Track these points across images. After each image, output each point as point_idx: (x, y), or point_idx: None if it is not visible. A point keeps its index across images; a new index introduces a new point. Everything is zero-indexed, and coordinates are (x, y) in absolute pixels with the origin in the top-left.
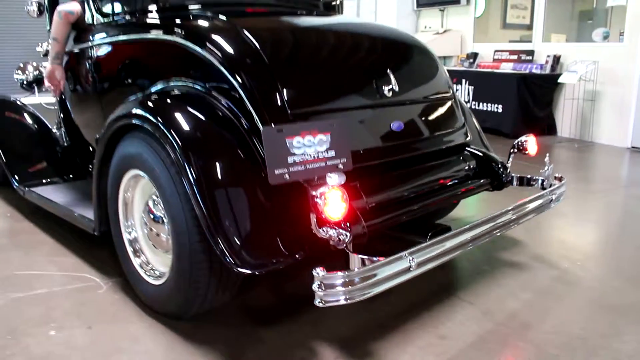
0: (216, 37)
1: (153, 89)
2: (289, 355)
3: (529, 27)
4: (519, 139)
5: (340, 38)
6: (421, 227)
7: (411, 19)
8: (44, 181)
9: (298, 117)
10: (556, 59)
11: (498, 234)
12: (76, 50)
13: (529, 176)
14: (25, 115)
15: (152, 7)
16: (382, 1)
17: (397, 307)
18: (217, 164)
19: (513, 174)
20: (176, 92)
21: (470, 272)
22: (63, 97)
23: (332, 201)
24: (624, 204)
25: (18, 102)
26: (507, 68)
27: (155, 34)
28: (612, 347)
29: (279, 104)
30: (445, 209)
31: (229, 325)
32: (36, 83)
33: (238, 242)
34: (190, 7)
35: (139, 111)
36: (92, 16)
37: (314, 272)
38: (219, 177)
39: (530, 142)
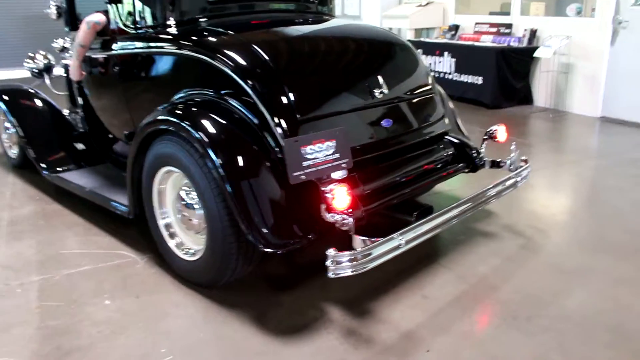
0: (229, 51)
1: (176, 98)
2: (304, 315)
3: None
4: (491, 128)
5: (334, 46)
6: (407, 205)
7: None
8: (68, 167)
9: (305, 121)
10: (533, 33)
11: (470, 214)
12: (102, 56)
13: (498, 160)
14: (42, 103)
15: (170, 22)
16: None
17: (388, 274)
18: (240, 160)
19: (485, 158)
20: (197, 99)
21: (449, 242)
22: (83, 88)
23: (338, 195)
24: (591, 176)
25: (31, 91)
26: (487, 40)
27: (174, 47)
28: (560, 303)
29: (288, 107)
30: (427, 189)
31: (252, 292)
32: (46, 71)
33: (263, 226)
34: (203, 21)
35: (169, 117)
36: (117, 27)
37: (327, 252)
38: (243, 170)
39: (500, 131)
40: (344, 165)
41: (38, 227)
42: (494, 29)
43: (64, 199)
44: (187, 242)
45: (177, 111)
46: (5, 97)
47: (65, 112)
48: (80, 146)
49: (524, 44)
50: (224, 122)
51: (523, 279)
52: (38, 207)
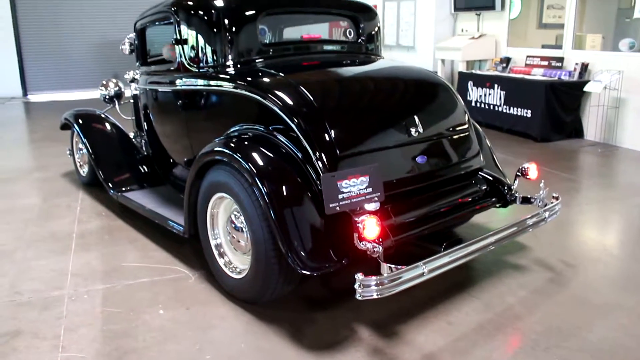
0: (278, 91)
1: (231, 131)
2: (336, 333)
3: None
4: (523, 165)
5: (376, 86)
6: (440, 237)
7: (448, 22)
8: (132, 187)
9: (344, 157)
10: (584, 67)
11: (495, 247)
12: (168, 89)
13: (529, 196)
14: (111, 127)
15: (229, 62)
16: (420, 4)
17: (418, 299)
18: (284, 190)
19: (517, 194)
20: (249, 134)
21: (480, 272)
22: (149, 115)
23: (369, 226)
24: (632, 214)
25: (103, 116)
26: (537, 74)
27: (230, 86)
28: (581, 336)
29: (330, 143)
30: (460, 221)
31: (290, 310)
32: (116, 97)
33: (301, 250)
34: (258, 62)
35: (224, 149)
36: (182, 64)
37: (355, 276)
38: (286, 199)
39: (532, 169)
40: (375, 198)
41: (104, 241)
42: (545, 62)
43: (127, 216)
44: (235, 261)
45: (231, 144)
46: (80, 121)
47: (131, 134)
48: (143, 168)
49: (575, 77)
50: (271, 155)
51: (547, 311)
52: (104, 222)
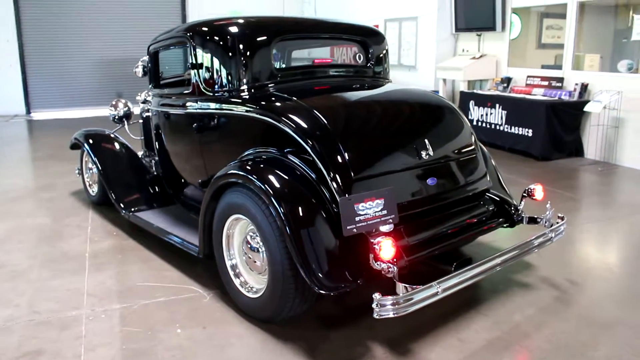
0: (293, 115)
1: (245, 154)
2: (350, 350)
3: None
4: (529, 186)
5: (386, 110)
6: (449, 256)
7: (450, 42)
8: (142, 207)
9: (359, 179)
10: (584, 87)
11: (505, 267)
12: (183, 111)
13: (535, 216)
14: (121, 147)
15: (243, 87)
16: (422, 24)
17: (429, 317)
18: (300, 211)
19: (523, 215)
20: (264, 157)
21: (488, 291)
22: (161, 135)
23: (385, 247)
24: (633, 232)
25: (112, 136)
26: (538, 93)
27: (245, 110)
28: (587, 354)
29: (344, 166)
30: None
31: (305, 328)
32: (126, 117)
33: (318, 270)
34: (271, 86)
35: (240, 172)
36: (197, 88)
37: (373, 296)
38: (303, 220)
39: (538, 190)
40: (390, 220)
41: (117, 261)
42: (546, 82)
43: (138, 235)
44: (250, 281)
45: (247, 166)
46: (91, 141)
47: (139, 154)
48: (153, 188)
49: (575, 97)
50: (287, 177)
51: (554, 329)
52: (116, 242)
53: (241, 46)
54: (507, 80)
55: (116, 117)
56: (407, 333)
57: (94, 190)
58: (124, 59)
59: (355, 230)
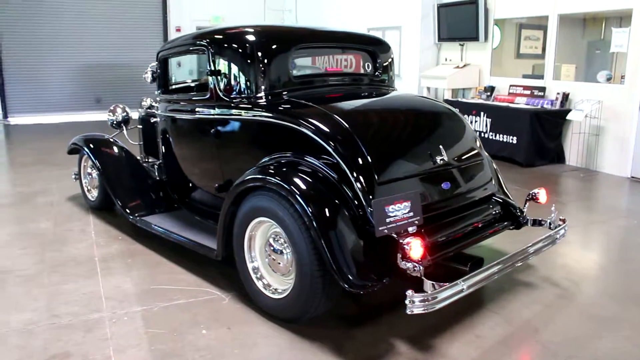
0: (315, 120)
1: (266, 159)
2: (376, 347)
3: (541, 56)
4: (533, 190)
5: (401, 116)
6: (460, 257)
7: (432, 51)
8: (149, 212)
9: (383, 183)
10: (565, 96)
11: (519, 265)
12: (200, 116)
13: (540, 219)
14: (122, 152)
15: (261, 94)
16: (406, 34)
17: (446, 315)
18: (328, 213)
19: (528, 217)
20: (287, 161)
21: (495, 290)
22: (169, 139)
23: (415, 247)
24: (620, 234)
25: (111, 140)
26: (521, 102)
27: (265, 115)
28: (594, 346)
29: (368, 168)
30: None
31: (329, 327)
32: (124, 123)
33: (349, 270)
34: (285, 94)
35: (266, 176)
36: (215, 93)
37: (407, 293)
38: (330, 222)
39: (542, 194)
40: (416, 222)
41: (128, 265)
42: (528, 92)
43: (144, 239)
44: (273, 282)
45: (271, 170)
46: (91, 145)
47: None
48: (157, 192)
49: (557, 106)
50: (312, 179)
51: (561, 324)
52: (123, 246)
53: (260, 54)
54: (491, 89)
55: (114, 122)
56: (425, 330)
57: (93, 195)
58: (103, 64)
59: (386, 231)
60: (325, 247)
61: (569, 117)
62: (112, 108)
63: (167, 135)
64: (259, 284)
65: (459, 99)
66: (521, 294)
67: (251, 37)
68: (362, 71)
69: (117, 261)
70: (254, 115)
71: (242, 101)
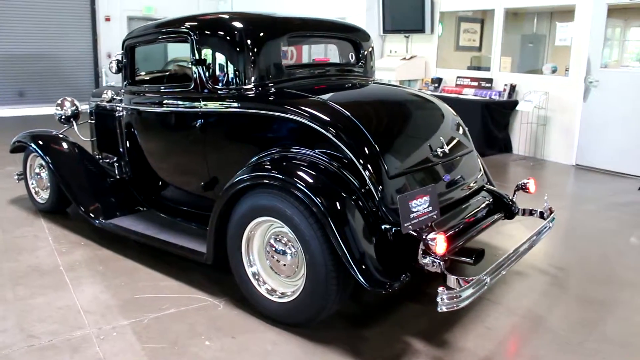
0: (312, 109)
1: (264, 154)
2: (392, 347)
3: (479, 49)
4: (522, 181)
5: (398, 107)
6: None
7: (377, 43)
8: (115, 214)
9: (394, 176)
10: (512, 87)
11: (525, 255)
12: (184, 110)
13: (530, 208)
14: (76, 149)
15: (249, 85)
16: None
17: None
18: (342, 210)
19: (518, 207)
20: (283, 154)
21: None
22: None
23: (440, 242)
24: (583, 220)
25: (61, 136)
26: (469, 93)
27: (254, 107)
28: (600, 329)
29: (375, 157)
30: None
31: (339, 329)
32: (74, 117)
33: (370, 269)
34: (271, 85)
35: (270, 173)
36: (202, 84)
37: (439, 290)
38: (345, 220)
39: (531, 184)
40: (434, 217)
41: (100, 273)
42: (476, 83)
43: (111, 244)
44: (275, 286)
45: (271, 166)
46: (41, 143)
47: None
48: (120, 192)
49: (505, 97)
50: (321, 175)
51: (563, 310)
52: (89, 252)
53: (249, 42)
54: (438, 80)
55: (63, 117)
56: (436, 326)
57: (42, 197)
58: (26, 56)
59: (411, 227)
60: (342, 245)
61: (518, 107)
62: (59, 102)
63: (133, 130)
64: (261, 288)
65: None
66: (515, 283)
67: (240, 24)
68: (346, 61)
69: (86, 269)
70: (243, 107)
71: (230, 92)
